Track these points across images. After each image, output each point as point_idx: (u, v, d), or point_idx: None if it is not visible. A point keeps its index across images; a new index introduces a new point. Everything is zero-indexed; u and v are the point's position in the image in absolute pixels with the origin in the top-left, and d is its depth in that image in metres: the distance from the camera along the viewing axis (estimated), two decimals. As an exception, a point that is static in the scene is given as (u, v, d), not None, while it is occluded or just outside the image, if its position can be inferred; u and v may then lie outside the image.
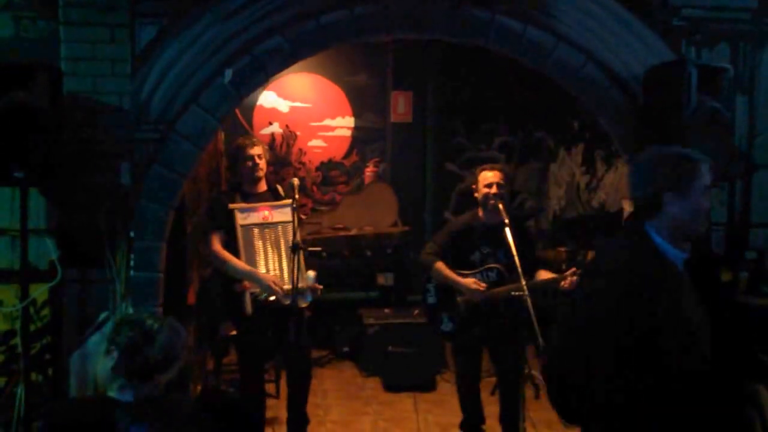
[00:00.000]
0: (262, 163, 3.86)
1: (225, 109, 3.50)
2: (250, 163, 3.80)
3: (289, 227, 3.88)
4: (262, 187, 3.95)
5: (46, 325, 3.62)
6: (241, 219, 3.82)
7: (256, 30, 3.42)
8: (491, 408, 4.88)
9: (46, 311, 3.63)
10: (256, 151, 3.81)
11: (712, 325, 3.53)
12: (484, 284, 3.87)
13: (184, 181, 3.50)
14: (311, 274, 3.94)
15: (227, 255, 3.80)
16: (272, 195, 4.00)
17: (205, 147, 3.58)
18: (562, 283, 3.75)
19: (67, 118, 3.39)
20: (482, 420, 4.23)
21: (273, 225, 3.84)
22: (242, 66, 3.45)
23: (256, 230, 3.80)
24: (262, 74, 3.51)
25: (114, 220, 3.49)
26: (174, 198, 3.49)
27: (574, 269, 3.75)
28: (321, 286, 3.98)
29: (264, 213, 3.84)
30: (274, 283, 3.75)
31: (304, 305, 3.88)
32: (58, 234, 3.53)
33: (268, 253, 3.89)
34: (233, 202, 3.85)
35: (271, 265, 3.87)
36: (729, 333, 3.55)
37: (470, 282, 3.88)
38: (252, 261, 3.83)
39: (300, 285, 3.84)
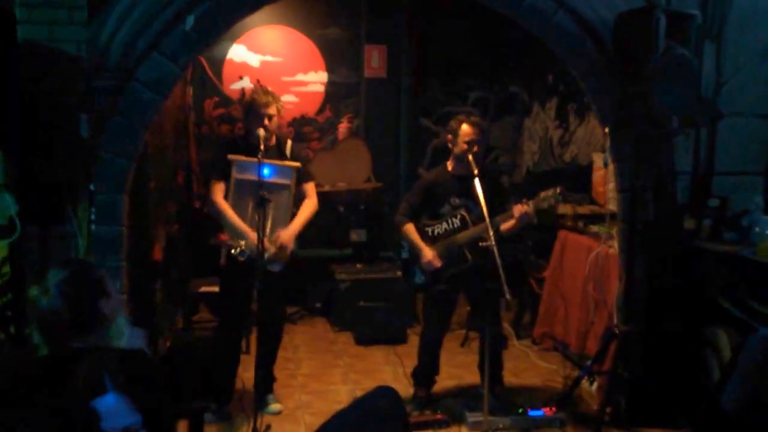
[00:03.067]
0: (272, 123, 3.80)
1: (187, 56, 3.39)
2: (261, 123, 3.74)
3: (285, 192, 3.84)
4: (271, 141, 3.89)
5: (7, 282, 3.54)
6: (236, 172, 3.76)
7: (218, -27, 3.31)
8: (461, 358, 4.99)
9: (6, 268, 3.54)
10: (270, 111, 3.77)
11: (674, 271, 3.61)
12: (439, 263, 3.92)
13: (145, 132, 3.41)
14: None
15: (225, 206, 3.79)
16: (277, 151, 3.93)
17: (167, 95, 3.48)
18: (512, 220, 3.78)
19: (24, 68, 3.28)
20: (436, 371, 4.29)
21: (269, 184, 3.72)
22: (204, 11, 3.33)
23: (249, 186, 3.71)
24: (225, 20, 3.40)
25: (74, 173, 3.41)
26: (135, 149, 3.41)
27: (524, 200, 3.78)
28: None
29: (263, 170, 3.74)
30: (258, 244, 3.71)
31: (274, 270, 3.83)
32: (18, 188, 3.45)
33: (265, 208, 3.73)
34: (235, 151, 3.80)
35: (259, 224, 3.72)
36: (690, 279, 3.62)
37: (428, 255, 3.93)
38: (240, 216, 3.78)
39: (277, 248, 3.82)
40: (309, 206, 4.03)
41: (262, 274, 3.58)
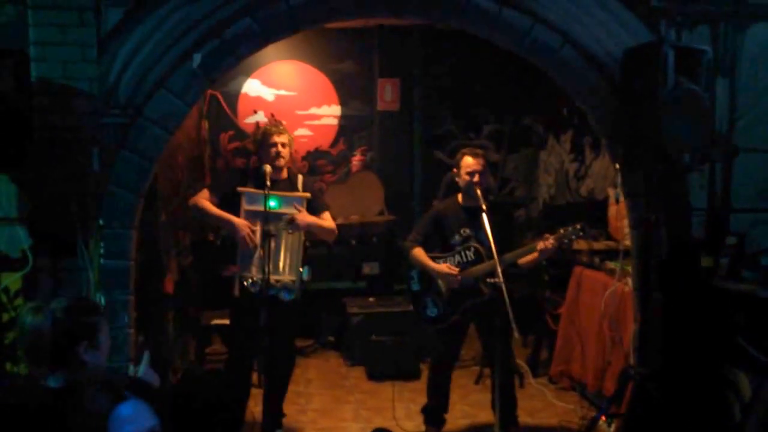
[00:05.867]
0: (284, 152, 3.86)
1: (194, 93, 3.44)
2: (273, 151, 3.81)
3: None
4: (282, 175, 3.93)
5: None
6: (246, 204, 3.80)
7: (225, 12, 3.35)
8: (475, 396, 4.89)
9: (19, 301, 3.58)
10: (282, 139, 3.83)
11: (691, 310, 3.53)
12: (457, 269, 3.86)
13: (153, 167, 3.44)
14: (305, 268, 3.88)
15: (205, 203, 3.82)
16: (290, 184, 3.96)
17: (174, 132, 3.52)
18: (534, 253, 3.73)
19: (36, 104, 3.34)
20: (446, 409, 4.22)
21: (278, 215, 3.74)
22: (211, 49, 3.38)
23: (259, 218, 3.72)
24: (232, 58, 3.45)
25: (86, 208, 3.44)
26: (143, 184, 3.43)
27: (546, 235, 3.74)
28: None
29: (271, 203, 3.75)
30: (248, 225, 3.73)
31: (284, 300, 3.80)
32: (30, 222, 3.49)
33: (269, 242, 3.74)
34: (246, 183, 3.83)
35: (272, 255, 3.73)
36: (708, 319, 3.52)
37: (443, 267, 3.90)
38: (250, 248, 3.77)
39: (290, 278, 3.82)
40: (328, 221, 4.02)
41: (272, 305, 3.58)
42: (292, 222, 3.79)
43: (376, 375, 5.28)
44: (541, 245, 3.72)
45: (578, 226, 3.72)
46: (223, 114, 6.47)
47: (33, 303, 2.11)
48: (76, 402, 1.96)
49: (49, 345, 2.00)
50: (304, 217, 3.84)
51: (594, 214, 5.42)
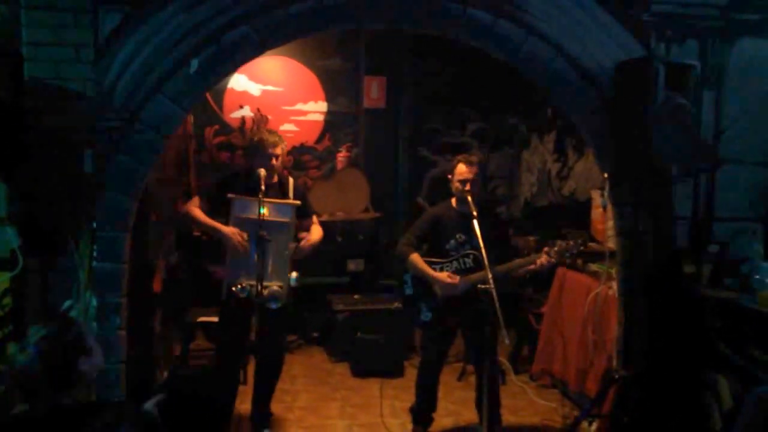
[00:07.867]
0: (278, 163, 3.89)
1: (191, 98, 3.43)
2: (268, 162, 3.82)
3: (285, 230, 3.86)
4: (273, 179, 3.93)
5: (8, 314, 3.55)
6: (236, 211, 3.79)
7: (223, 19, 3.35)
8: (459, 393, 4.98)
9: (8, 300, 3.55)
10: (277, 151, 3.86)
11: (674, 316, 3.63)
12: (457, 277, 3.91)
13: (148, 171, 3.43)
14: (293, 275, 3.90)
15: (196, 212, 3.84)
16: (279, 189, 3.97)
17: (170, 136, 3.51)
18: (532, 266, 3.81)
19: (29, 105, 3.31)
20: (434, 408, 4.29)
21: (268, 222, 3.74)
22: (209, 55, 3.38)
23: (249, 225, 3.72)
24: (229, 64, 3.45)
25: (77, 209, 3.43)
26: (138, 188, 3.42)
27: (546, 249, 3.82)
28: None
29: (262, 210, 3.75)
30: (239, 233, 3.74)
31: (273, 308, 3.80)
32: (21, 222, 3.46)
33: (262, 249, 3.74)
34: (238, 187, 3.83)
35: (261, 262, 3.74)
36: (691, 324, 3.63)
37: (444, 276, 3.93)
38: (239, 254, 3.78)
39: (277, 284, 3.82)
40: (318, 230, 4.09)
41: (260, 311, 3.59)
42: (298, 250, 3.88)
43: (360, 372, 5.34)
44: (541, 260, 3.80)
45: (579, 241, 3.80)
46: (209, 108, 6.44)
47: (13, 345, 2.07)
48: (89, 417, 1.97)
49: (47, 377, 1.97)
50: (308, 243, 3.92)
51: (577, 215, 5.52)
